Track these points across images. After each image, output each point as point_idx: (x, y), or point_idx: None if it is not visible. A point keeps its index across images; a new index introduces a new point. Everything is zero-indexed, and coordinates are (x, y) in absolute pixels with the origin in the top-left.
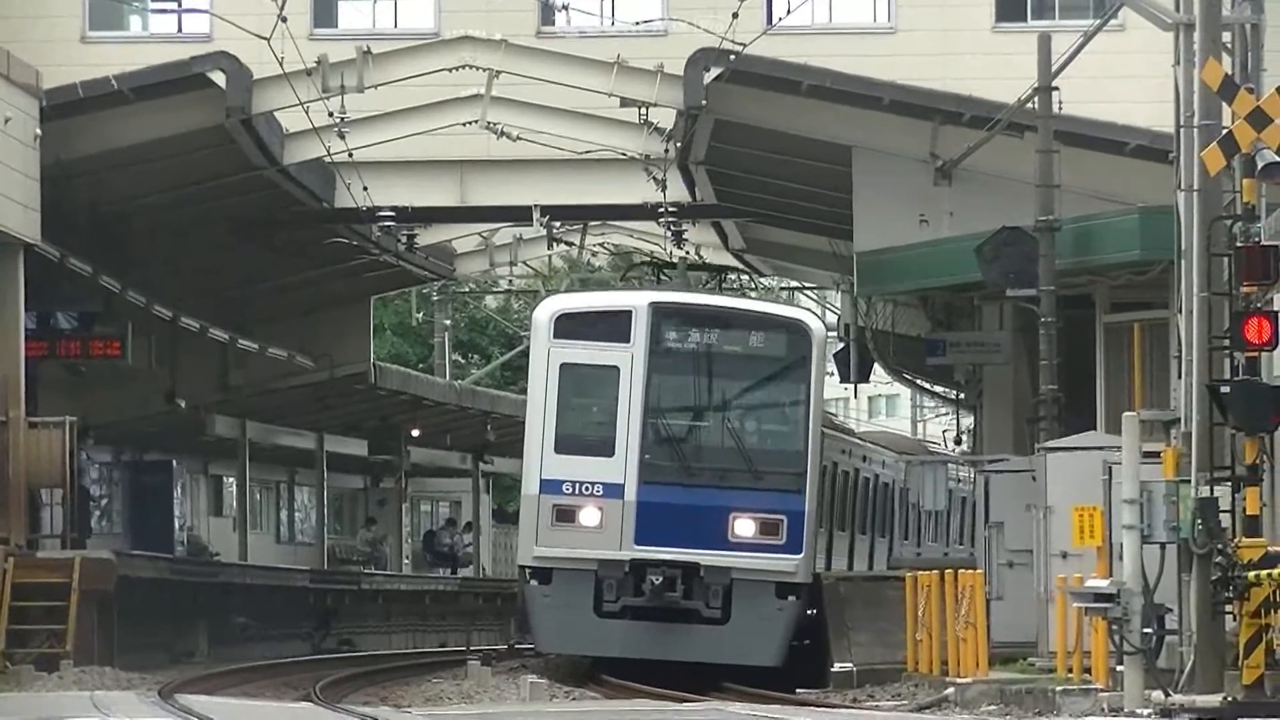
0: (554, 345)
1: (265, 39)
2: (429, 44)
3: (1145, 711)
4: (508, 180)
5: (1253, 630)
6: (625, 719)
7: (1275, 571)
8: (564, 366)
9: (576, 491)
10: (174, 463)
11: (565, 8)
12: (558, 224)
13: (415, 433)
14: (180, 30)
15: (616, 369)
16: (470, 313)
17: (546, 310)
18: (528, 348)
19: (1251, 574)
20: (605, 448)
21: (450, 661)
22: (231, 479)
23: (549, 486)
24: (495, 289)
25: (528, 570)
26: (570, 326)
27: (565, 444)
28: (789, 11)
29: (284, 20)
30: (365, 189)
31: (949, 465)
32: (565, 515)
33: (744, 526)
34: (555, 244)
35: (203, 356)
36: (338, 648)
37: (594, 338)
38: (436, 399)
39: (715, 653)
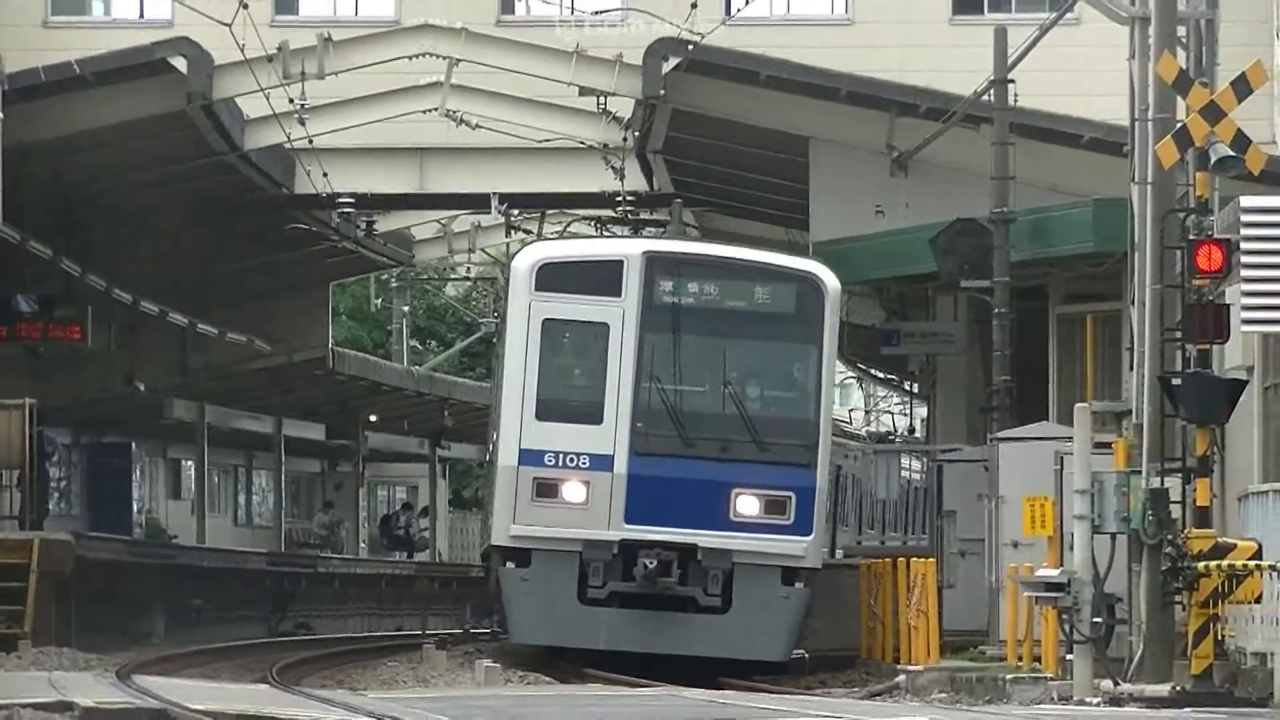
0: (535, 298)
1: (227, 25)
2: (389, 32)
3: (1094, 700)
4: (467, 168)
5: (1202, 620)
6: (575, 702)
7: (1224, 562)
8: (546, 323)
9: (560, 463)
10: (133, 445)
11: None
12: (516, 212)
13: (373, 418)
14: (142, 16)
15: (606, 326)
16: (429, 300)
17: (527, 259)
18: (500, 310)
19: (1201, 565)
20: (593, 414)
21: (406, 645)
22: (190, 462)
23: (529, 457)
24: (453, 276)
25: (503, 551)
26: (554, 278)
27: (547, 410)
28: (747, 2)
29: (245, 7)
30: (325, 175)
31: (902, 456)
32: (547, 490)
33: (747, 504)
34: (513, 231)
35: (162, 340)
36: (294, 631)
37: (581, 290)
38: (394, 384)
39: (714, 645)
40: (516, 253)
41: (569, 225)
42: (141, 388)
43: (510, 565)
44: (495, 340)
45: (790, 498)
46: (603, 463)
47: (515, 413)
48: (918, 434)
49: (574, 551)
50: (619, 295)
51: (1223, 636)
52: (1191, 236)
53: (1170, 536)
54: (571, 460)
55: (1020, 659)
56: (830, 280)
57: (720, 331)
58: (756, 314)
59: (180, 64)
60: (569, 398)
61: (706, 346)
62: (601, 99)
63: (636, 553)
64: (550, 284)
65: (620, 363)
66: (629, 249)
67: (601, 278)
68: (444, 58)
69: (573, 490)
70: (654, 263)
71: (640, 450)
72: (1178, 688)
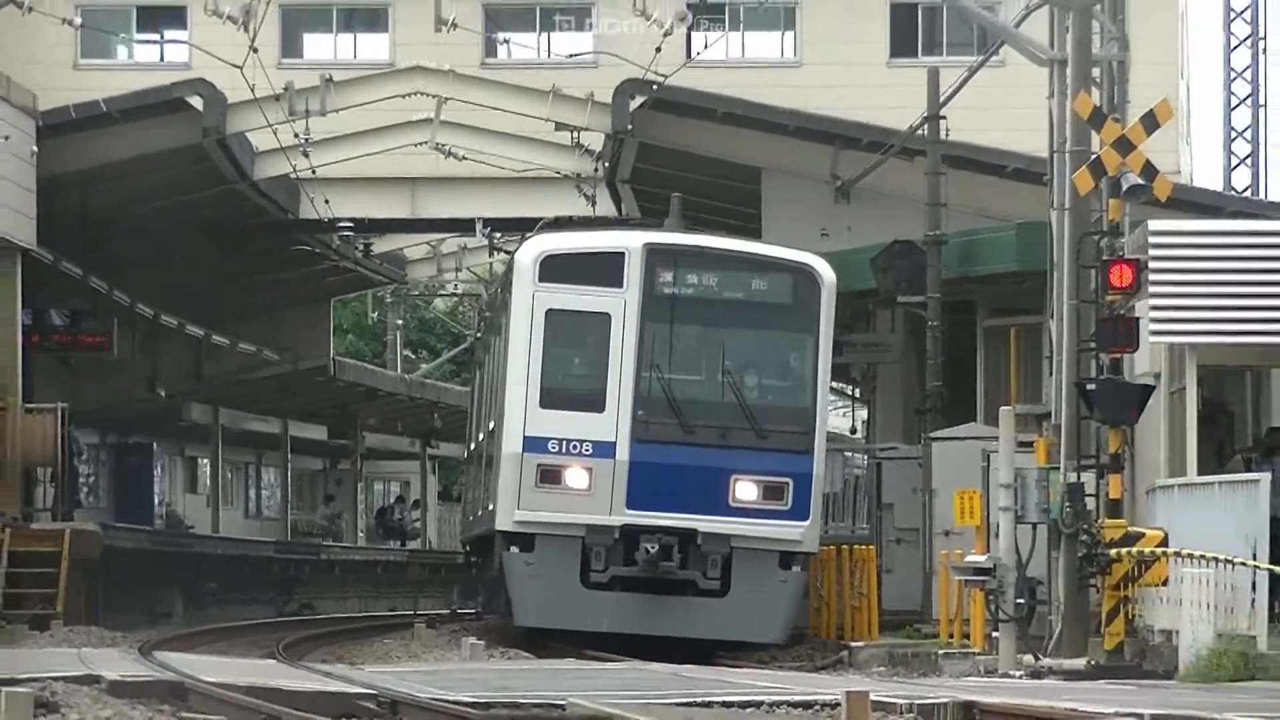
0: (539, 289)
1: (238, 67)
2: (384, 73)
3: (1017, 673)
4: (454, 195)
5: (1114, 602)
6: (550, 674)
7: (1134, 549)
8: (550, 313)
9: (563, 450)
10: (154, 445)
11: (506, 42)
12: (498, 235)
13: (370, 420)
14: (162, 59)
15: (608, 316)
16: (420, 314)
17: (531, 251)
18: (497, 302)
19: (1113, 551)
20: (595, 403)
21: (399, 624)
22: (205, 460)
23: (533, 444)
24: (442, 292)
25: (507, 536)
26: (557, 269)
27: (551, 398)
28: (706, 47)
29: (255, 51)
30: (327, 202)
31: (846, 453)
32: (550, 476)
33: (746, 490)
34: (496, 252)
35: (180, 350)
36: (299, 611)
37: (583, 281)
38: (389, 390)
39: (712, 628)
40: (518, 248)
41: None
42: (162, 393)
43: (515, 550)
44: (479, 338)
45: (788, 483)
46: (605, 449)
47: (519, 400)
48: (859, 434)
49: (577, 536)
50: (620, 286)
51: (1133, 616)
52: (1105, 257)
53: (1086, 526)
54: (574, 447)
55: (951, 636)
56: (826, 272)
57: (719, 321)
58: (754, 304)
59: (197, 102)
60: (572, 386)
61: (706, 336)
62: (575, 133)
63: (638, 537)
64: (553, 275)
65: (622, 352)
66: (630, 241)
67: (603, 269)
68: (433, 96)
69: (576, 476)
70: (654, 254)
71: (641, 437)
72: (1092, 662)
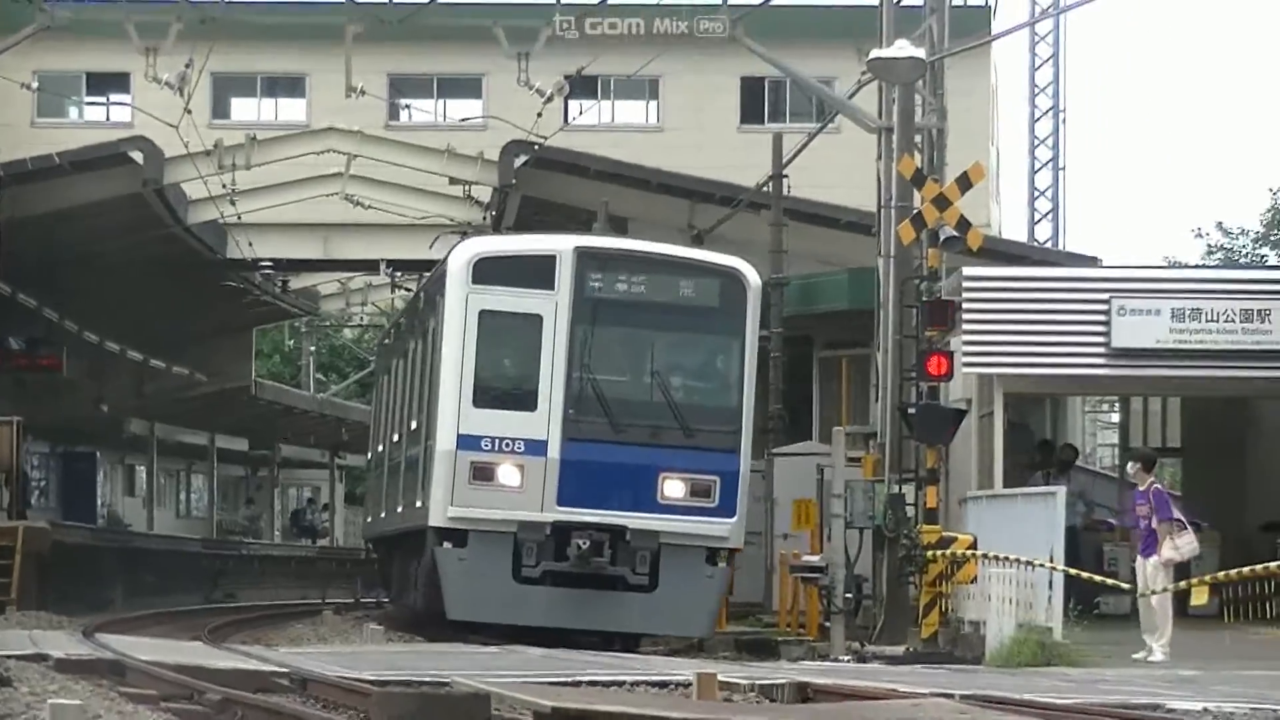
0: (472, 291)
1: (174, 126)
2: (301, 133)
3: (846, 658)
4: (361, 239)
5: (930, 596)
6: (440, 657)
7: (948, 551)
8: (483, 314)
9: (496, 448)
10: (97, 454)
11: (408, 107)
12: (399, 274)
13: (286, 434)
14: (108, 119)
15: (539, 317)
16: (330, 341)
17: (463, 254)
18: (419, 307)
19: (930, 553)
20: (527, 402)
21: (309, 612)
22: (142, 467)
23: (466, 442)
24: (350, 323)
25: (440, 532)
26: (490, 271)
27: (484, 397)
28: (581, 113)
29: (189, 112)
30: (250, 244)
31: None
32: (483, 473)
33: (674, 488)
34: (396, 289)
35: (122, 372)
36: (223, 599)
37: (515, 283)
38: (303, 408)
39: (641, 622)
40: (450, 251)
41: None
42: (105, 409)
43: (447, 545)
44: (389, 345)
45: (715, 481)
46: (536, 448)
47: (452, 399)
48: None
49: (509, 533)
50: (552, 288)
51: (946, 609)
52: (924, 298)
53: (906, 531)
54: (507, 445)
55: (789, 626)
56: (752, 276)
57: (648, 323)
58: (682, 307)
59: (138, 156)
60: (504, 385)
61: (635, 337)
62: (467, 187)
63: (569, 533)
64: (486, 277)
65: (553, 352)
66: (561, 244)
67: (535, 271)
68: (344, 154)
69: (508, 474)
70: (584, 257)
71: (572, 436)
72: (911, 649)
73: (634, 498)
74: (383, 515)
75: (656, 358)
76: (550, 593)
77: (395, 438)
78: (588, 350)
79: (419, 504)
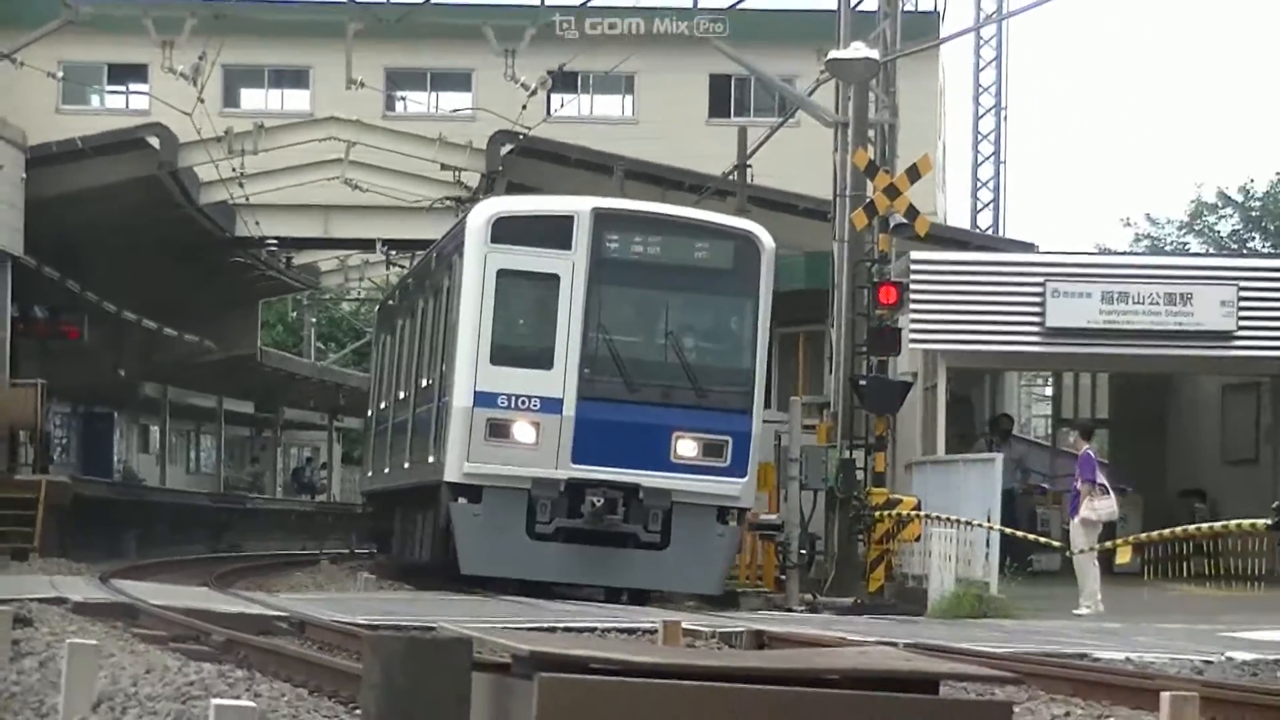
0: (491, 250)
1: (188, 114)
2: (305, 121)
3: (800, 609)
4: (359, 220)
5: (877, 553)
6: (425, 604)
7: (894, 512)
8: (501, 273)
9: (512, 405)
10: (114, 415)
11: (403, 99)
12: (394, 252)
13: (288, 398)
14: (127, 107)
15: (556, 277)
16: (330, 313)
17: (483, 213)
18: (433, 266)
19: (877, 513)
20: (543, 360)
21: (308, 561)
22: (156, 428)
23: (483, 399)
24: (348, 297)
25: (455, 488)
26: (508, 230)
27: (501, 355)
28: (562, 106)
29: (202, 101)
30: (257, 223)
31: None
32: (499, 430)
33: (687, 447)
34: (391, 266)
35: (138, 340)
36: (228, 550)
37: (533, 243)
38: (304, 374)
39: (652, 579)
40: (468, 210)
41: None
42: (122, 374)
43: (462, 500)
44: (393, 305)
45: (727, 441)
46: (552, 405)
47: (469, 357)
48: None
49: (524, 489)
50: (569, 249)
51: (892, 565)
52: (875, 280)
53: (856, 493)
54: (523, 403)
55: (748, 579)
56: (766, 239)
57: (663, 284)
58: (697, 269)
59: (154, 142)
60: (521, 344)
61: (650, 298)
62: (457, 173)
63: (583, 491)
64: (504, 236)
65: (570, 312)
66: (579, 205)
67: (553, 231)
68: (344, 141)
69: (523, 431)
70: (602, 219)
71: (587, 395)
72: (859, 601)
73: (647, 456)
74: (386, 471)
75: (671, 319)
76: (563, 549)
77: (401, 395)
78: (604, 310)
79: (432, 459)
